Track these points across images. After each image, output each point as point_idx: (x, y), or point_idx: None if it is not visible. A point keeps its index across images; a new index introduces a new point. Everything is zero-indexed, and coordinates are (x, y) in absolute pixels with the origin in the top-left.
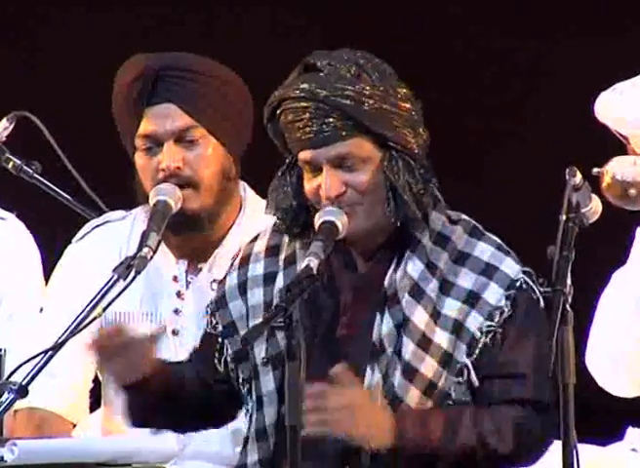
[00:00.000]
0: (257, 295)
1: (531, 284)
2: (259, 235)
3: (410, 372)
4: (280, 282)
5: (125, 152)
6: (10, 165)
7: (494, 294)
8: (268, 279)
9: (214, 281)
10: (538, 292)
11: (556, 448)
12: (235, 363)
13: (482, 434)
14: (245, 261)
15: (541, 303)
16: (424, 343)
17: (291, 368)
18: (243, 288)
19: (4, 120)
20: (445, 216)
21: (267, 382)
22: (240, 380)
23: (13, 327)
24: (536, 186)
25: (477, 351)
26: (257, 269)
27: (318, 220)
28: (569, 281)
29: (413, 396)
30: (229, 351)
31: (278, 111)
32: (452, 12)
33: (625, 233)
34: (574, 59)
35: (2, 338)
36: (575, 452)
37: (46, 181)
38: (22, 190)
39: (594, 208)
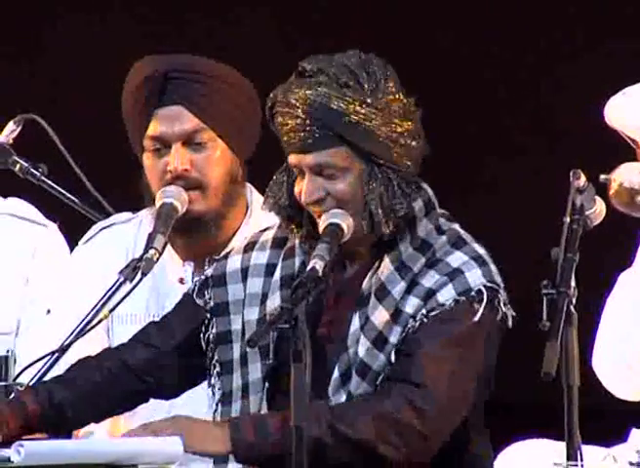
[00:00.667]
0: (256, 284)
1: (485, 298)
2: (269, 227)
3: (363, 370)
4: (277, 274)
5: (131, 154)
6: (17, 167)
7: (445, 294)
8: (269, 270)
9: (210, 261)
10: (498, 311)
11: (561, 449)
12: (215, 344)
13: (331, 422)
14: (250, 247)
15: (490, 323)
16: (380, 342)
17: (297, 369)
18: (245, 273)
19: (11, 122)
20: (434, 225)
21: (254, 371)
22: (213, 361)
23: (28, 332)
24: (541, 188)
25: (404, 334)
26: (260, 258)
27: (323, 223)
28: (573, 282)
29: (366, 393)
30: (213, 330)
31: (273, 111)
32: (459, 17)
33: (630, 235)
34: (582, 63)
35: (18, 343)
36: (579, 454)
37: (52, 184)
38: (28, 192)
39: (598, 210)
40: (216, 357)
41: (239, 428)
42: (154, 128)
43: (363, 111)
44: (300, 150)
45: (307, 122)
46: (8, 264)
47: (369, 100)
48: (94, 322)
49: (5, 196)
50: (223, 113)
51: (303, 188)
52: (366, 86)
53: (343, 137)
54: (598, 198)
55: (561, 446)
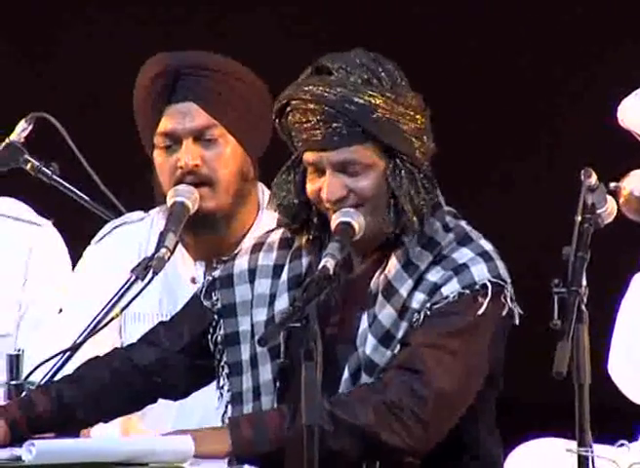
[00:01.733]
0: (263, 285)
1: (489, 293)
2: (276, 227)
3: (371, 368)
4: (285, 275)
5: (143, 153)
6: (28, 166)
7: (450, 287)
8: (277, 271)
9: (218, 262)
10: (504, 306)
11: (572, 447)
12: (223, 345)
13: (330, 409)
14: (257, 249)
15: (495, 317)
16: (387, 340)
17: (308, 367)
18: (252, 274)
19: (22, 121)
20: (441, 223)
21: (265, 372)
22: (222, 363)
23: (39, 332)
24: (551, 187)
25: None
26: (267, 259)
27: (335, 221)
28: (584, 281)
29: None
30: (221, 331)
31: (287, 110)
32: (466, 14)
33: None
34: (594, 61)
35: (29, 342)
36: (590, 452)
37: (64, 182)
38: (41, 191)
39: (610, 209)
40: (224, 358)
41: (238, 427)
42: (165, 124)
43: (389, 107)
44: (322, 147)
45: (333, 118)
46: (3, 266)
47: (392, 96)
48: (105, 320)
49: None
50: (234, 109)
51: (325, 186)
52: (385, 82)
53: (369, 133)
54: (609, 197)
55: (572, 444)
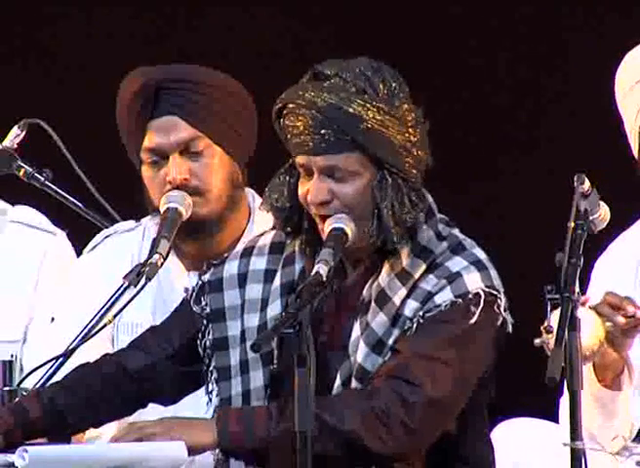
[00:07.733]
0: (255, 290)
1: (482, 302)
2: (266, 231)
3: (362, 375)
4: (277, 281)
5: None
6: (21, 172)
7: (443, 296)
8: (268, 276)
9: (208, 265)
10: (498, 316)
11: (549, 428)
12: (212, 350)
13: (316, 412)
14: (248, 253)
15: (488, 326)
16: (379, 347)
17: (301, 374)
18: (243, 279)
19: (15, 127)
20: (434, 232)
21: (256, 378)
22: (211, 367)
23: (32, 339)
24: (545, 193)
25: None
26: (258, 263)
27: (328, 227)
28: (577, 287)
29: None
30: (210, 336)
31: (283, 112)
32: (464, 18)
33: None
34: (589, 61)
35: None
36: (583, 459)
37: (57, 189)
38: (34, 198)
39: (602, 215)
40: (213, 363)
41: (225, 420)
42: (150, 139)
43: (380, 118)
44: (310, 152)
45: (322, 125)
46: (16, 272)
47: (385, 108)
48: (98, 327)
49: (11, 203)
50: (218, 119)
51: (311, 188)
52: (381, 93)
53: (358, 143)
54: (602, 203)
55: (550, 425)
